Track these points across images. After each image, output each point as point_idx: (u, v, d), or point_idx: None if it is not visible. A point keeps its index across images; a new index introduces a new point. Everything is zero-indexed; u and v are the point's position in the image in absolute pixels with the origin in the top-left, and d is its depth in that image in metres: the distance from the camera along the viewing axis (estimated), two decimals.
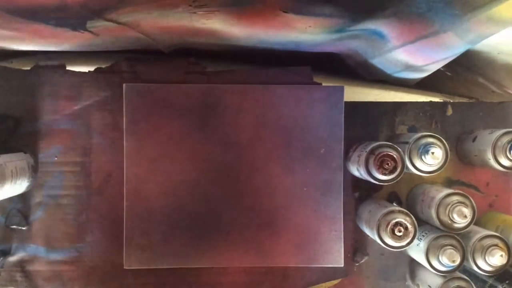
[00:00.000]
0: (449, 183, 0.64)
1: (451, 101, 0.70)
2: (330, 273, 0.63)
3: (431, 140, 0.55)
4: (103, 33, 0.53)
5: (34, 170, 0.60)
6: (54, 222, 0.61)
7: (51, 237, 0.61)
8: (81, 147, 0.61)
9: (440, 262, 0.54)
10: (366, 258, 0.63)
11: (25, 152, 0.59)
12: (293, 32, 0.55)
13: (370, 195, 0.64)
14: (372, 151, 0.54)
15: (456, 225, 0.54)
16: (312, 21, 0.51)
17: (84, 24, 0.49)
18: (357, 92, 0.71)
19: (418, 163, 0.55)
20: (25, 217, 0.60)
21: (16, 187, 0.56)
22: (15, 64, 0.66)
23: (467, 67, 0.68)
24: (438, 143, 0.55)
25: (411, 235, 0.54)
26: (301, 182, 0.61)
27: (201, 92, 0.60)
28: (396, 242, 0.54)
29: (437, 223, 0.55)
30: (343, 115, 0.61)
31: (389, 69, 0.65)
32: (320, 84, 0.62)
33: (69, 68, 0.62)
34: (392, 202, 0.62)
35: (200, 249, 0.60)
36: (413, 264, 0.63)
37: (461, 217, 0.53)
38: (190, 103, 0.60)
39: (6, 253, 0.60)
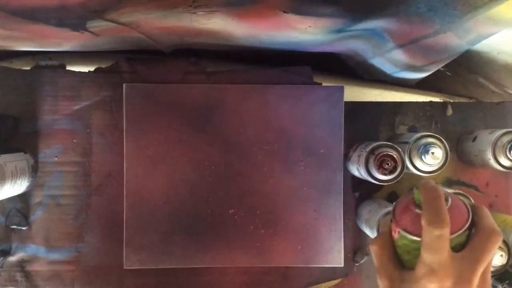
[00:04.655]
0: (449, 183, 0.64)
1: (451, 101, 0.70)
2: (330, 273, 0.63)
3: (431, 140, 0.55)
4: (103, 33, 0.53)
5: (34, 170, 0.60)
6: (54, 222, 0.61)
7: (51, 237, 0.61)
8: (81, 147, 0.61)
9: None
10: (366, 258, 0.63)
11: (25, 152, 0.59)
12: (293, 32, 0.55)
13: (370, 195, 0.64)
14: (372, 151, 0.54)
15: None
16: (312, 21, 0.51)
17: (84, 24, 0.49)
18: (357, 92, 0.71)
19: (418, 163, 0.55)
20: (25, 217, 0.60)
21: (16, 187, 0.56)
22: (15, 64, 0.66)
23: (467, 67, 0.68)
24: (438, 143, 0.55)
25: None
26: (301, 182, 0.61)
27: (201, 92, 0.60)
28: None
29: None
30: (343, 115, 0.61)
31: (389, 69, 0.65)
32: (320, 84, 0.62)
33: (69, 68, 0.62)
34: (392, 202, 0.62)
35: (200, 249, 0.60)
36: None
37: None
38: (190, 103, 0.60)
39: (6, 253, 0.60)
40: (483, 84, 0.71)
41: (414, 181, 0.63)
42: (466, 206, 0.35)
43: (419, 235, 0.33)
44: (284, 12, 0.48)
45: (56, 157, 0.61)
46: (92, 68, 0.62)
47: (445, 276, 0.32)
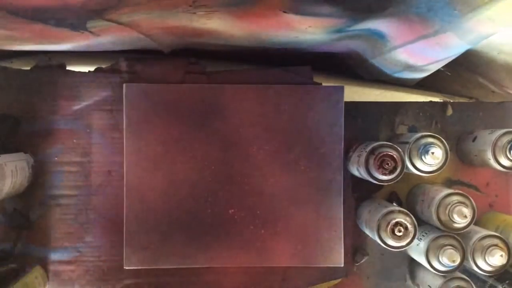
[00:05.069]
0: (449, 183, 0.64)
1: (451, 101, 0.70)
2: (330, 273, 0.63)
3: (431, 140, 0.55)
4: (103, 33, 0.53)
5: (34, 170, 0.60)
6: (54, 222, 0.61)
7: (51, 237, 0.61)
8: (81, 147, 0.61)
9: (440, 262, 0.54)
10: (366, 258, 0.63)
11: (25, 152, 0.59)
12: (293, 32, 0.55)
13: (370, 195, 0.64)
14: (372, 151, 0.54)
15: (456, 225, 0.54)
16: (312, 21, 0.51)
17: (84, 24, 0.49)
18: (357, 92, 0.71)
19: (418, 163, 0.55)
20: (25, 217, 0.60)
21: (16, 187, 0.56)
22: (15, 64, 0.66)
23: (467, 67, 0.68)
24: (438, 143, 0.55)
25: (411, 235, 0.54)
26: (301, 182, 0.61)
27: (201, 92, 0.60)
28: (396, 242, 0.54)
29: (437, 223, 0.55)
30: (343, 115, 0.61)
31: (389, 69, 0.65)
32: (320, 84, 0.62)
33: (69, 68, 0.62)
34: (392, 202, 0.62)
35: (200, 249, 0.60)
36: (413, 264, 0.63)
37: (461, 217, 0.53)
38: (190, 103, 0.60)
39: (6, 253, 0.60)
40: (483, 84, 0.71)
41: (414, 181, 0.64)
42: None
43: None
44: (284, 12, 0.48)
45: (56, 157, 0.61)
46: (92, 68, 0.62)
47: None
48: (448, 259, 0.53)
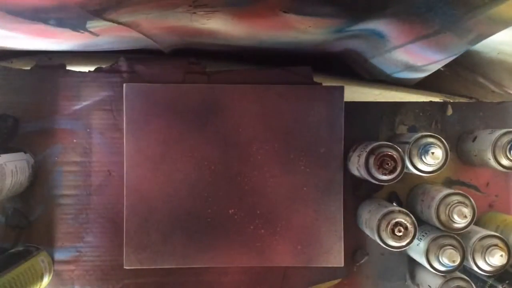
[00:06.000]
0: (449, 183, 0.64)
1: (451, 101, 0.70)
2: (330, 273, 0.63)
3: (431, 140, 0.55)
4: (103, 33, 0.53)
5: (34, 170, 0.60)
6: (54, 222, 0.61)
7: (51, 237, 0.61)
8: (81, 147, 0.61)
9: (440, 262, 0.54)
10: (366, 258, 0.63)
11: (25, 152, 0.59)
12: (293, 32, 0.55)
13: (370, 195, 0.64)
14: (372, 151, 0.54)
15: (456, 225, 0.54)
16: (312, 21, 0.51)
17: (84, 24, 0.49)
18: (357, 92, 0.71)
19: (418, 163, 0.55)
20: (25, 217, 0.60)
21: (16, 187, 0.56)
22: (15, 64, 0.66)
23: (467, 67, 0.68)
24: (438, 143, 0.55)
25: (411, 235, 0.54)
26: (301, 182, 0.61)
27: (201, 92, 0.60)
28: (396, 242, 0.54)
29: (437, 223, 0.55)
30: (343, 115, 0.61)
31: (389, 69, 0.65)
32: (320, 84, 0.62)
33: (69, 68, 0.62)
34: (392, 202, 0.62)
35: (200, 249, 0.60)
36: (413, 264, 0.63)
37: (461, 217, 0.53)
38: (190, 103, 0.60)
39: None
40: (483, 84, 0.71)
41: (414, 181, 0.64)
42: None
43: None
44: (284, 12, 0.48)
45: (56, 157, 0.61)
46: (92, 68, 0.62)
47: None
48: (448, 259, 0.53)
